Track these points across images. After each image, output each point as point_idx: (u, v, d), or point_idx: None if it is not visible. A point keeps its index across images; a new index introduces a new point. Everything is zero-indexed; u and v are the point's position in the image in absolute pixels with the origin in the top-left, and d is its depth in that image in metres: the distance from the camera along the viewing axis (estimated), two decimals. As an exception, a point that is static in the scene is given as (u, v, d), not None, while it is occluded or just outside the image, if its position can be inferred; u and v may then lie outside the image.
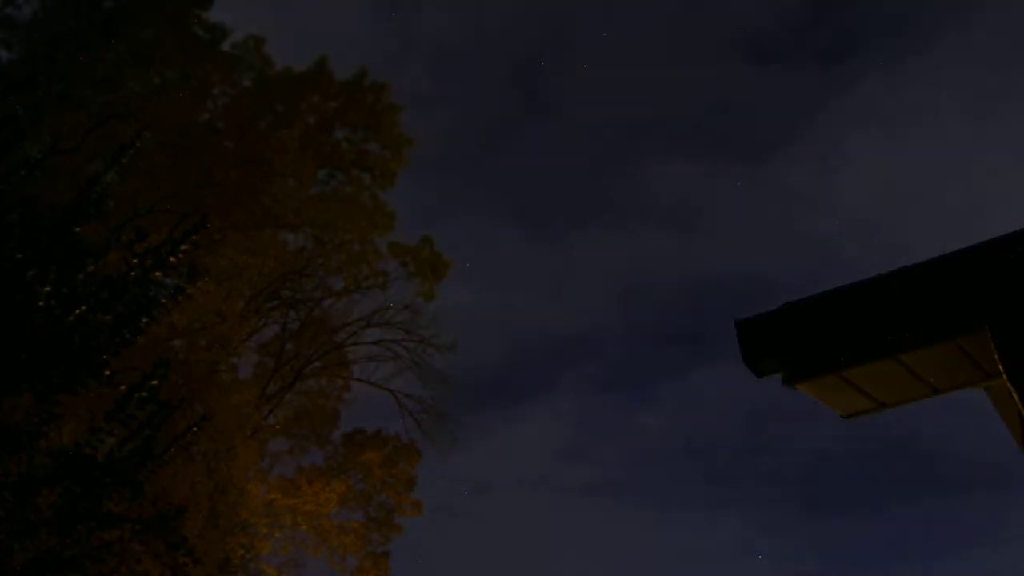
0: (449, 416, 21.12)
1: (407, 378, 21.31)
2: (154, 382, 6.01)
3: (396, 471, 21.58)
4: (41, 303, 5.59)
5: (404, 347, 21.31)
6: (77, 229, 5.85)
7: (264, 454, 20.24)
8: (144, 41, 13.96)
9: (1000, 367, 2.94)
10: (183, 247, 5.89)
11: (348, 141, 19.48)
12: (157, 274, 5.86)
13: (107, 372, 5.82)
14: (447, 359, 20.94)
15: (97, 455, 6.07)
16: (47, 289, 5.60)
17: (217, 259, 16.43)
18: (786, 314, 3.30)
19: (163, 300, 5.93)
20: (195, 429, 7.09)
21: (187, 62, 15.00)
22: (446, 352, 20.97)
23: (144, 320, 5.85)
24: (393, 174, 19.47)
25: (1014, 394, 3.00)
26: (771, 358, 3.34)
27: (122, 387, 6.04)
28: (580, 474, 50.48)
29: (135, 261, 5.79)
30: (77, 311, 5.63)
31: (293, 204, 18.22)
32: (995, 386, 3.49)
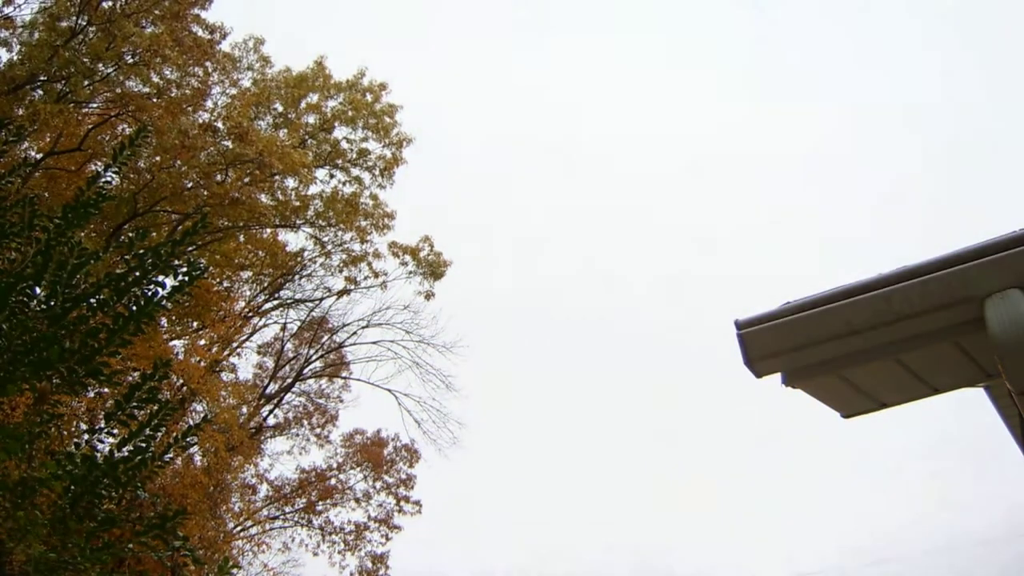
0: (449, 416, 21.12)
1: (407, 378, 21.32)
2: (154, 382, 6.00)
3: (396, 471, 21.60)
4: (41, 303, 5.58)
5: (404, 347, 21.33)
6: (77, 229, 5.84)
7: (264, 454, 20.25)
8: (144, 41, 13.94)
9: (1000, 367, 2.93)
10: (183, 247, 5.88)
11: (348, 141, 19.49)
12: (157, 274, 5.84)
13: (107, 372, 5.81)
14: None
15: (97, 455, 6.06)
16: (47, 289, 5.59)
17: (217, 259, 16.44)
18: (786, 314, 3.28)
19: (163, 300, 5.91)
20: (195, 429, 7.07)
21: (187, 62, 14.99)
22: (446, 352, 20.99)
23: (144, 320, 5.84)
24: (392, 174, 19.46)
25: (1014, 394, 2.99)
26: (771, 358, 3.32)
27: (122, 387, 6.03)
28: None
29: (135, 261, 5.78)
30: (77, 311, 5.62)
31: (293, 204, 18.22)
32: (995, 386, 3.49)
